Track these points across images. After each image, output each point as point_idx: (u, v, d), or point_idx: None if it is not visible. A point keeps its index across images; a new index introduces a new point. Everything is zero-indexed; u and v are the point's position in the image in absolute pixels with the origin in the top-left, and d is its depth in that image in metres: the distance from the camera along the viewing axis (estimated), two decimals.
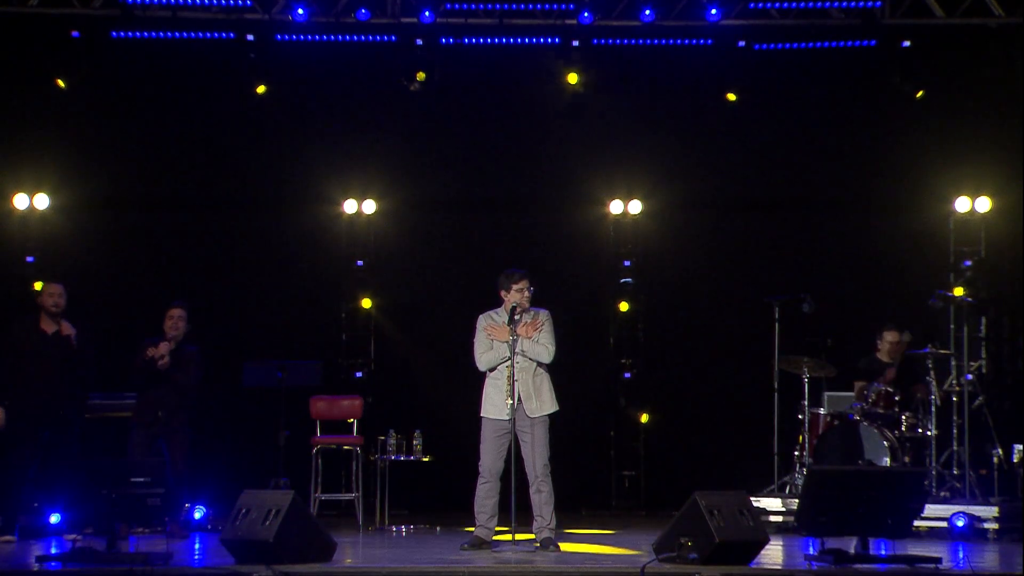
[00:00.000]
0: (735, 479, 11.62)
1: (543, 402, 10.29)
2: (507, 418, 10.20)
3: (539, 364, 10.31)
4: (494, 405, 10.30)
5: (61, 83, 13.49)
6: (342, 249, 14.53)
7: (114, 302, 12.97)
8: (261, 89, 13.76)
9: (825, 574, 9.16)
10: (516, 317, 10.30)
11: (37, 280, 13.48)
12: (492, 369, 10.33)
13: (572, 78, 13.85)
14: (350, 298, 14.53)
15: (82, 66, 13.58)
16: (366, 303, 14.52)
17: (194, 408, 11.59)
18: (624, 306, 14.65)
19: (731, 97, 14.00)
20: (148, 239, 14.22)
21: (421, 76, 13.53)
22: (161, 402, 11.39)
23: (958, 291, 13.80)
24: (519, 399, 10.20)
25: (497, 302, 10.39)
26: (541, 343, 10.28)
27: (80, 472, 9.72)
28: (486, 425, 10.33)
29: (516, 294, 10.30)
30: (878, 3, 13.51)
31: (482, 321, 10.41)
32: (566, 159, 14.46)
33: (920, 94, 13.82)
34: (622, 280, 14.65)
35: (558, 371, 10.43)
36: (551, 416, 10.32)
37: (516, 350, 10.21)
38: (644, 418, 14.56)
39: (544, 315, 10.41)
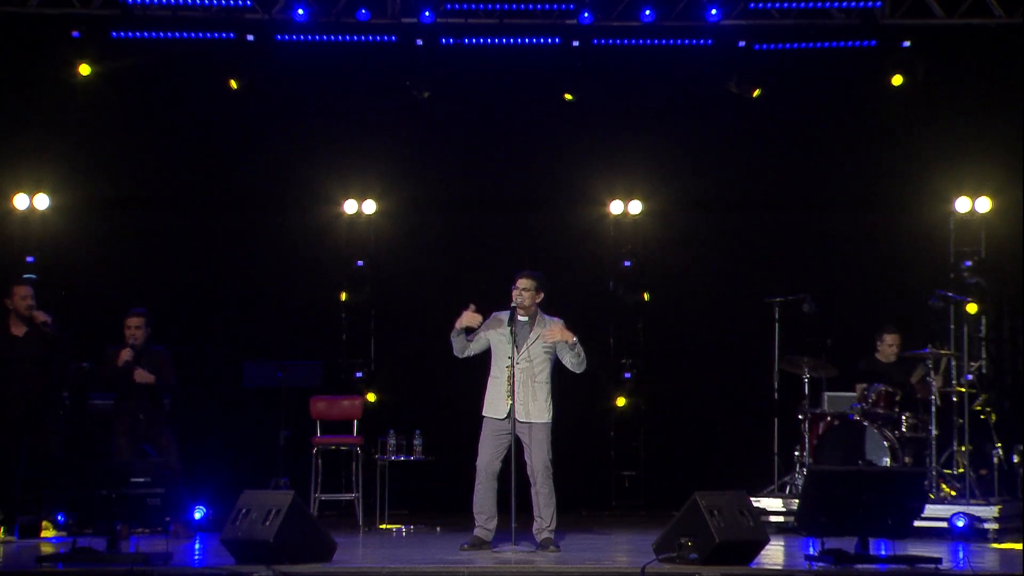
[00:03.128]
0: (735, 479, 11.62)
1: (537, 410, 10.29)
2: (502, 418, 10.23)
3: (542, 372, 10.33)
4: (492, 404, 10.35)
5: (86, 69, 13.45)
6: (342, 249, 14.51)
7: (114, 302, 12.93)
8: (233, 84, 13.72)
9: (825, 574, 9.17)
10: (521, 317, 10.32)
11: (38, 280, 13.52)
12: (465, 354, 10.43)
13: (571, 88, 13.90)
14: (350, 298, 14.51)
15: (81, 66, 13.58)
16: (366, 303, 14.50)
17: (177, 405, 11.67)
18: (647, 295, 14.63)
19: (756, 93, 13.96)
20: (148, 239, 14.20)
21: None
22: (140, 406, 11.43)
23: (971, 308, 13.79)
24: (517, 402, 10.20)
25: (505, 301, 10.44)
26: (583, 358, 10.33)
27: (75, 471, 9.72)
28: (485, 424, 10.36)
29: (514, 293, 10.34)
30: (878, 3, 13.50)
31: (490, 319, 10.44)
32: (566, 159, 14.44)
33: (898, 80, 13.77)
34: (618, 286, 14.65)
35: (558, 371, 10.44)
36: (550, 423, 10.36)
37: (520, 356, 10.24)
38: (634, 420, 14.54)
39: (560, 325, 10.43)
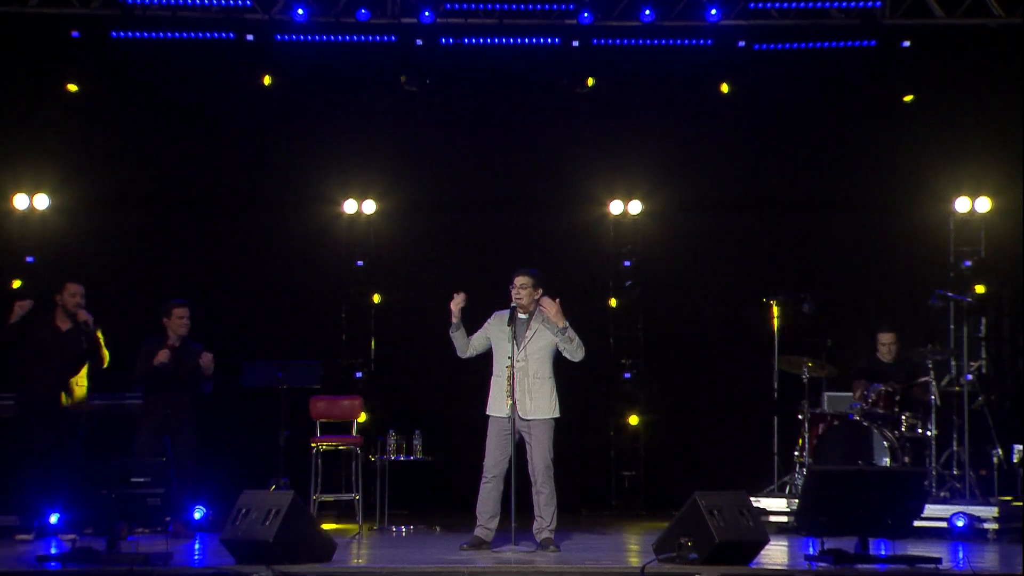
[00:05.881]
0: (735, 479, 11.62)
1: (540, 406, 10.27)
2: (505, 416, 10.22)
3: (542, 368, 10.31)
4: (496, 402, 10.34)
5: (73, 87, 13.51)
6: (342, 249, 14.52)
7: (114, 302, 12.95)
8: (267, 80, 13.75)
9: (825, 574, 9.17)
10: (521, 315, 10.32)
11: (37, 280, 13.51)
12: (467, 353, 10.45)
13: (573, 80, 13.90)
14: (350, 298, 14.52)
15: (82, 66, 13.59)
16: (366, 303, 14.50)
17: (200, 406, 11.66)
18: (614, 301, 14.60)
19: (724, 88, 13.99)
20: (148, 239, 14.21)
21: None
22: (170, 402, 11.43)
23: (980, 288, 13.80)
24: (516, 399, 10.20)
25: (505, 301, 10.44)
26: (576, 343, 10.31)
27: (80, 472, 9.73)
28: (490, 424, 10.35)
29: (512, 292, 10.34)
30: (878, 3, 13.51)
31: (491, 318, 10.43)
32: (566, 159, 14.45)
33: (909, 98, 13.84)
34: (626, 284, 14.63)
35: (558, 371, 10.43)
36: (554, 420, 10.33)
37: (519, 354, 10.24)
38: (635, 420, 14.56)
39: (555, 304, 10.41)
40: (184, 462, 11.39)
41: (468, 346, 10.47)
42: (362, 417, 13.09)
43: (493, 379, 10.40)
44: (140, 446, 11.39)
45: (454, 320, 10.38)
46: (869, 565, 9.31)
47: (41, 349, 11.28)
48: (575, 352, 10.37)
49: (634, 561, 9.54)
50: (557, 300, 10.32)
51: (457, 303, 10.35)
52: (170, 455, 11.40)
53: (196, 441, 11.57)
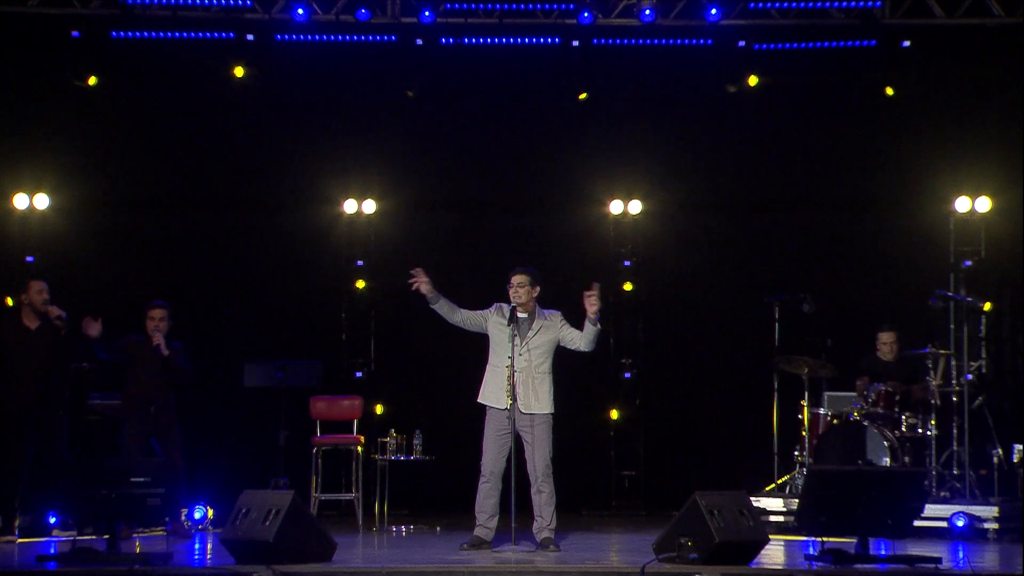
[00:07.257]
0: (735, 479, 11.62)
1: (540, 401, 10.28)
2: (502, 408, 10.20)
3: (543, 365, 10.32)
4: (493, 393, 10.32)
5: (92, 80, 13.56)
6: (342, 249, 14.52)
7: (114, 302, 12.96)
8: (239, 71, 13.74)
9: (825, 574, 9.17)
10: (521, 314, 10.33)
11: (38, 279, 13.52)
12: (455, 320, 10.43)
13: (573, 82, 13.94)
14: (350, 299, 14.52)
15: (82, 66, 13.60)
16: (366, 304, 14.50)
17: (182, 405, 11.63)
18: (629, 285, 14.61)
19: (752, 81, 14.02)
20: (148, 239, 14.21)
21: None
22: (151, 398, 11.40)
23: (987, 305, 13.81)
24: (516, 396, 10.19)
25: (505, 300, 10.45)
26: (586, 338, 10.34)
27: (76, 471, 9.72)
28: (488, 418, 10.33)
29: (510, 292, 10.34)
30: (878, 3, 13.52)
31: (492, 309, 10.41)
32: (566, 159, 14.45)
33: (891, 91, 13.87)
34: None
35: (558, 371, 10.44)
36: (551, 416, 10.33)
37: (521, 350, 10.23)
38: (635, 420, 14.56)
39: (559, 316, 10.44)
40: (173, 460, 11.36)
41: (455, 312, 10.40)
42: (379, 410, 13.11)
43: (490, 368, 10.38)
44: (126, 443, 11.37)
45: (429, 296, 10.36)
46: (869, 565, 9.31)
47: (12, 351, 11.18)
48: (593, 342, 10.37)
49: (629, 561, 9.53)
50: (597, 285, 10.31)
51: (420, 284, 10.34)
52: (159, 454, 11.39)
53: (182, 439, 11.54)
